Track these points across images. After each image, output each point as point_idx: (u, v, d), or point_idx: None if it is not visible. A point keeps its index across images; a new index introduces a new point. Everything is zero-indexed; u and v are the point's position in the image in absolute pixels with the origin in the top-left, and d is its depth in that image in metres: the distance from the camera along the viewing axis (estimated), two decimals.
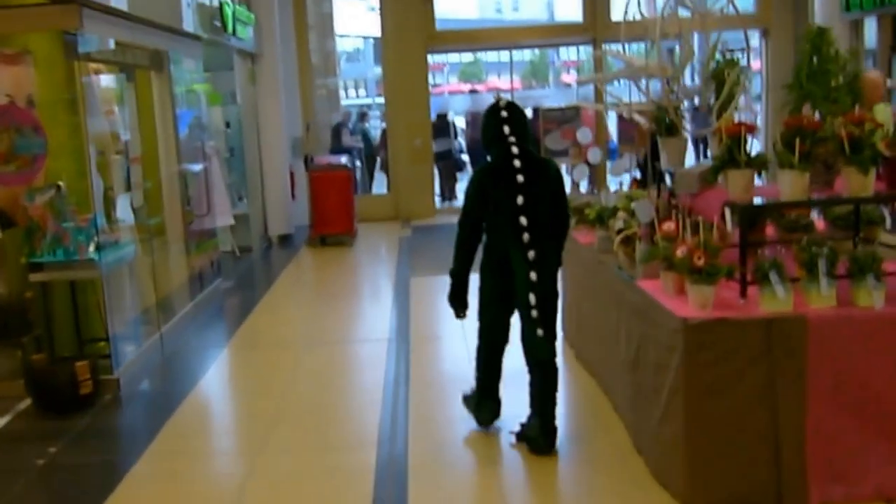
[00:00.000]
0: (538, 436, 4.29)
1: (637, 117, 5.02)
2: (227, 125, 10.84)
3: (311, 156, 11.57)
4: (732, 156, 3.70)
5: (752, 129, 3.78)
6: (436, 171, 13.70)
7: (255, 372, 6.38)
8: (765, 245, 4.21)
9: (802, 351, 3.46)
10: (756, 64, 12.90)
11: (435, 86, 28.90)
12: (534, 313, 4.12)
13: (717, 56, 4.71)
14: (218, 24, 8.51)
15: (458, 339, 6.49)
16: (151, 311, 6.91)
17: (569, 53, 57.24)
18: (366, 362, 6.39)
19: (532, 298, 4.11)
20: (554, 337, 4.31)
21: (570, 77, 47.32)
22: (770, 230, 4.47)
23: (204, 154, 8.73)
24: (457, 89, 35.59)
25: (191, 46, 8.03)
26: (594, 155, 8.11)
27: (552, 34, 13.58)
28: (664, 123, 4.61)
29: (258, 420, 5.24)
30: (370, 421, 4.99)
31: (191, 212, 8.06)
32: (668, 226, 3.87)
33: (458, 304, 4.49)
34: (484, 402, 4.64)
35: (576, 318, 5.79)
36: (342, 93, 19.46)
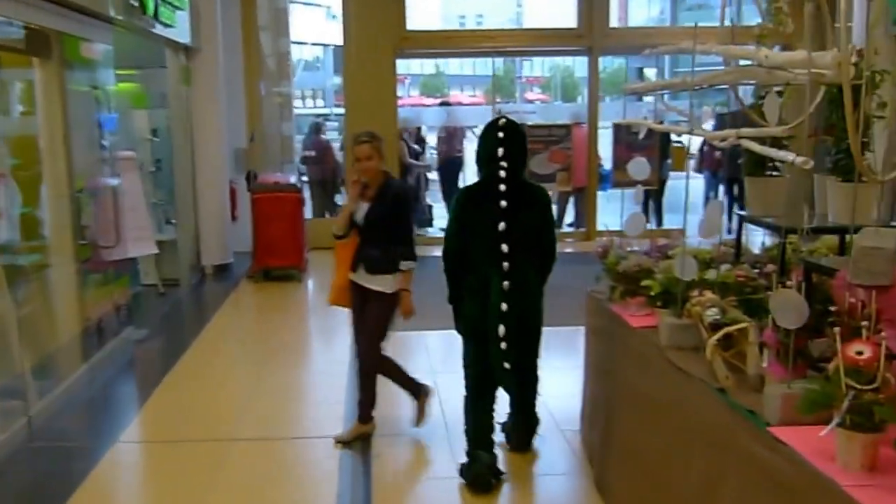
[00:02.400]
0: (514, 431, 4.60)
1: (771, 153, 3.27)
2: (154, 133, 8.96)
3: (254, 172, 9.74)
4: None
5: None
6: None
7: (155, 483, 4.55)
8: None
9: None
10: None
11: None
12: (503, 345, 3.94)
13: None
14: (135, 2, 6.67)
15: (440, 438, 4.79)
16: (20, 383, 5.04)
17: (533, 69, 56.37)
18: (312, 473, 4.61)
19: (501, 330, 3.93)
20: (531, 370, 4.32)
21: (534, 94, 46.27)
22: None
23: (114, 168, 6.89)
24: (419, 102, 34.05)
25: (95, 29, 6.19)
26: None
27: (543, 41, 11.93)
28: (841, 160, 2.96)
29: None
30: None
31: (90, 244, 6.21)
32: (859, 350, 2.15)
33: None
34: (475, 453, 4.21)
35: (606, 430, 4.08)
36: (298, 102, 17.77)
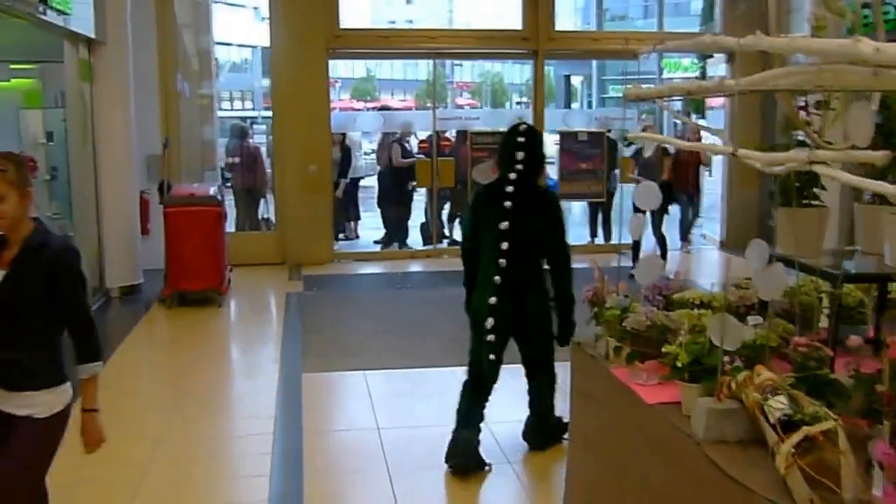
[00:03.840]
0: (530, 431, 4.64)
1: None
2: (50, 136, 7.79)
3: (167, 182, 8.62)
4: None
5: None
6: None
7: None
8: None
9: None
10: None
11: None
12: (489, 337, 4.18)
13: None
14: None
15: None
16: None
17: (462, 74, 55.91)
18: None
19: (489, 322, 4.17)
20: (542, 371, 4.48)
21: (463, 100, 45.70)
22: None
23: None
24: (349, 107, 33.02)
25: None
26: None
27: (487, 42, 11.09)
28: None
29: None
30: None
31: None
32: None
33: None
34: (458, 431, 4.36)
35: None
36: (222, 104, 16.52)
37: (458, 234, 11.53)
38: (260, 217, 11.37)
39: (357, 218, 12.19)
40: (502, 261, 4.14)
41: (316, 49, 10.15)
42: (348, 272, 10.03)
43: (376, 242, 11.64)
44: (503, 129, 11.08)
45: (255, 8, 29.76)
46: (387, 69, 50.57)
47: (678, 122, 12.91)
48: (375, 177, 11.98)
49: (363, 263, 10.59)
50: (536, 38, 10.54)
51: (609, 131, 11.37)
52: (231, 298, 8.62)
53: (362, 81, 45.52)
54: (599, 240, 11.74)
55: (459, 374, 6.02)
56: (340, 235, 11.79)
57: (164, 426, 5.18)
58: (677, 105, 6.47)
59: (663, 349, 2.81)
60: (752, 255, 2.70)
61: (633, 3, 38.46)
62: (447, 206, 11.59)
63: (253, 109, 33.04)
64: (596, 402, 3.35)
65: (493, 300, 4.13)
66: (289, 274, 9.80)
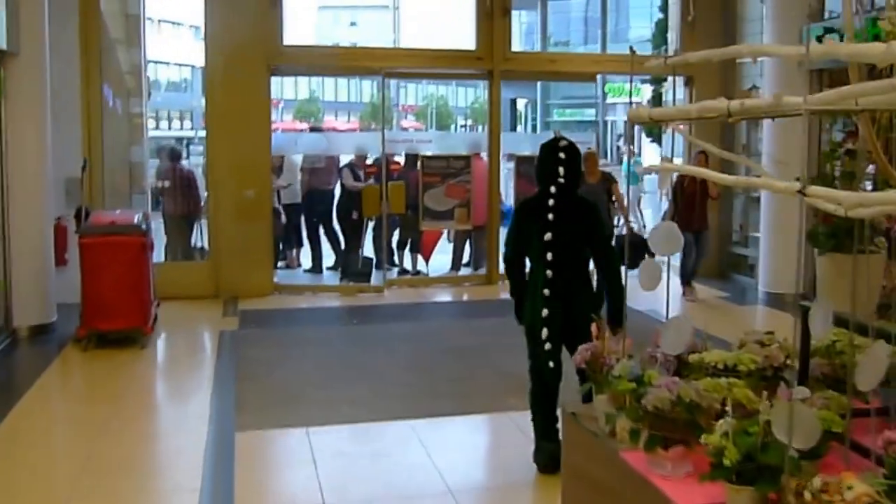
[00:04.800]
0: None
1: None
2: None
3: (85, 209, 7.74)
4: None
5: None
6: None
7: None
8: None
9: None
10: None
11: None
12: (547, 346, 4.41)
13: None
14: None
15: None
16: None
17: (407, 97, 55.43)
18: None
19: (544, 333, 4.40)
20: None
21: (408, 122, 45.25)
22: None
23: None
24: (291, 128, 32.19)
25: None
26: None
27: (440, 62, 10.47)
28: None
29: None
30: None
31: None
32: None
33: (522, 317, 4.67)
34: (539, 443, 4.62)
35: None
36: (153, 122, 15.56)
37: (408, 263, 10.86)
38: (193, 245, 10.51)
39: (300, 245, 11.42)
40: (549, 272, 4.39)
41: (256, 66, 9.42)
42: (290, 306, 9.22)
43: (328, 269, 10.96)
44: (459, 152, 10.71)
45: (195, 27, 28.88)
46: (331, 90, 49.79)
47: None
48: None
49: (306, 296, 9.80)
50: (491, 57, 9.99)
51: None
52: (157, 338, 7.74)
53: (306, 103, 44.58)
54: None
55: (419, 427, 5.35)
56: (280, 264, 11.02)
57: (70, 499, 4.33)
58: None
59: (703, 439, 2.17)
60: (816, 321, 2.09)
61: (574, 29, 38.52)
62: (396, 233, 10.91)
63: (192, 129, 31.97)
64: (600, 489, 2.69)
65: (545, 312, 4.38)
66: (223, 308, 8.95)
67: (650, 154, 33.81)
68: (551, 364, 4.43)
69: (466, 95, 53.88)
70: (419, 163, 10.24)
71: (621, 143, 30.07)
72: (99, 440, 5.28)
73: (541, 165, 4.57)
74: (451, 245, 11.15)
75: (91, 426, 5.59)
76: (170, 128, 36.07)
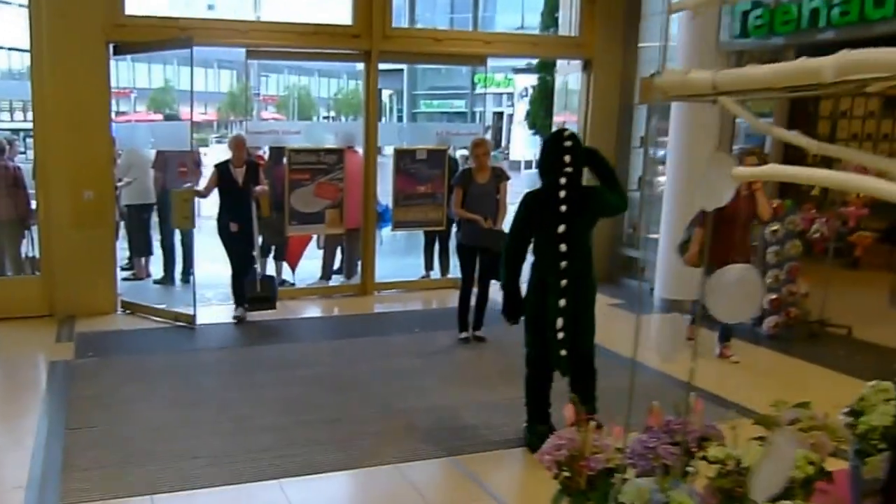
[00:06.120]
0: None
1: None
2: None
3: None
4: None
5: None
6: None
7: None
8: None
9: None
10: None
11: (119, 113, 23.14)
12: (560, 335, 4.52)
13: None
14: None
15: None
16: None
17: (268, 87, 53.17)
18: None
19: (559, 322, 4.51)
20: (590, 361, 4.74)
21: (269, 113, 43.30)
22: None
23: None
24: (145, 118, 29.87)
25: None
26: None
27: (309, 40, 9.20)
28: None
29: None
30: None
31: None
32: None
33: (511, 313, 4.83)
34: (532, 426, 4.87)
35: None
36: None
37: (271, 269, 9.64)
38: (23, 256, 8.97)
39: (149, 253, 10.05)
40: (563, 263, 4.51)
41: (92, 42, 8.02)
42: (135, 326, 7.87)
43: (156, 282, 9.78)
44: (329, 145, 9.63)
45: (23, 5, 25.95)
46: (186, 78, 46.80)
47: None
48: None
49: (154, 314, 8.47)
50: (370, 35, 8.98)
51: (449, 148, 9.99)
52: None
53: (160, 92, 41.68)
54: (436, 274, 10.34)
55: (289, 488, 4.37)
56: (127, 274, 9.66)
57: None
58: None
59: None
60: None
61: (439, 13, 37.83)
62: (260, 239, 9.72)
63: (25, 121, 29.06)
64: None
65: (562, 302, 4.49)
66: (58, 331, 7.57)
67: (520, 147, 33.62)
68: (563, 352, 4.53)
69: (329, 86, 52.14)
70: (286, 157, 9.07)
71: (488, 135, 29.62)
72: None
73: (547, 157, 4.62)
74: (321, 251, 10.10)
75: None
76: (11, 119, 32.78)
